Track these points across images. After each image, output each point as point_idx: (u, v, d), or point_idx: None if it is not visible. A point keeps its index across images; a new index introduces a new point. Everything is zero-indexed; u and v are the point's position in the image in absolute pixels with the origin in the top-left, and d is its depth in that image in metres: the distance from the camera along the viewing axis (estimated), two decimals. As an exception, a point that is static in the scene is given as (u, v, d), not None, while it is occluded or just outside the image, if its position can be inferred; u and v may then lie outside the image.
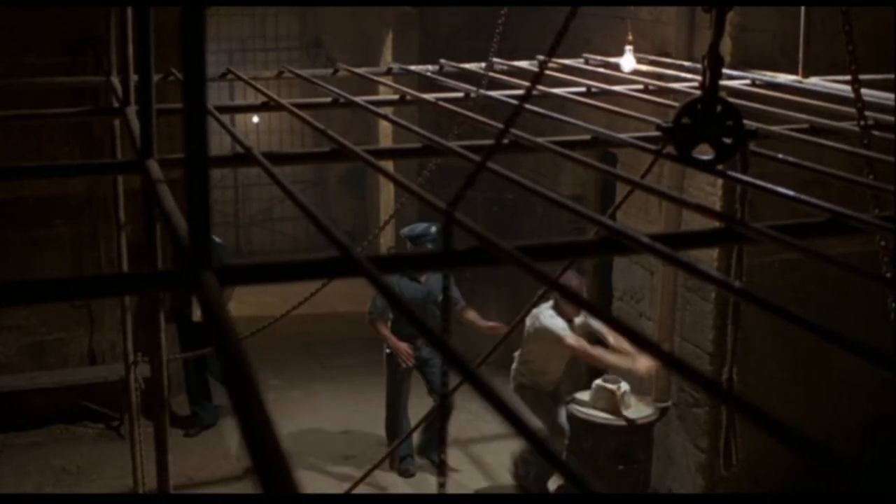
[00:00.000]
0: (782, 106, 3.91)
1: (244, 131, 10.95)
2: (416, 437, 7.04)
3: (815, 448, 0.93)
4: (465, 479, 7.23)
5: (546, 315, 6.66)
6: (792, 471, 5.97)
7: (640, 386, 6.84)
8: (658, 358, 1.21)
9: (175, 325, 7.55)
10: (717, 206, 5.96)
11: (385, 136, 11.28)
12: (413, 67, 5.25)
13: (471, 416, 7.33)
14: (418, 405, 7.28)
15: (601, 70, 5.24)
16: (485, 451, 7.62)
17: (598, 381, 6.66)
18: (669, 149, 2.45)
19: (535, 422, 6.77)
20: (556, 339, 6.57)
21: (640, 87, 4.50)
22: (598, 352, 6.57)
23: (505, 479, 7.22)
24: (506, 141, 2.45)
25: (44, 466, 7.47)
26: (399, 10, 10.42)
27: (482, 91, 4.22)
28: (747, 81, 4.66)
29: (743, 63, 5.52)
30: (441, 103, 3.83)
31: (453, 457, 7.35)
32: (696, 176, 6.24)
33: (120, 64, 3.53)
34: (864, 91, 3.27)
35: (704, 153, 2.35)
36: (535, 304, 4.37)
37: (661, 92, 4.49)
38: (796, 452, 0.94)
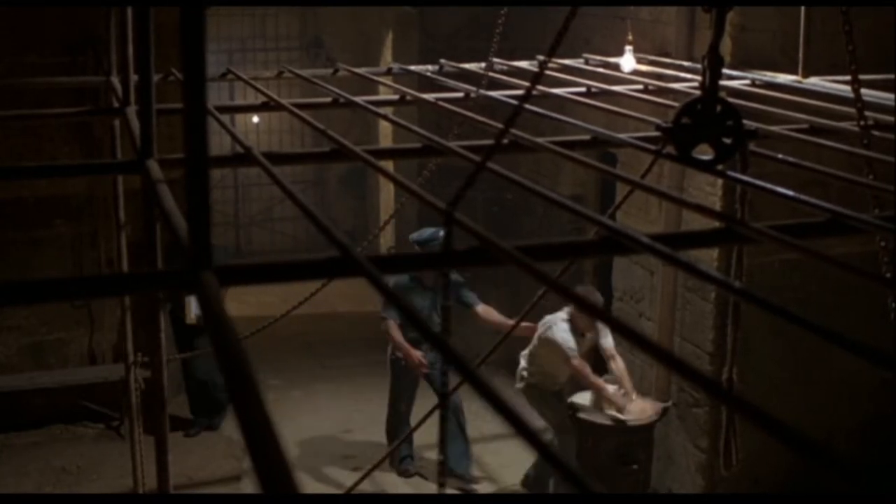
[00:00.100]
0: (782, 106, 3.91)
1: (244, 131, 10.95)
2: (449, 455, 6.95)
3: (815, 448, 0.93)
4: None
5: (560, 328, 6.62)
6: (792, 471, 5.98)
7: (639, 386, 6.84)
8: (658, 358, 1.21)
9: (170, 327, 7.53)
10: (717, 206, 5.96)
11: (385, 136, 11.28)
12: (413, 67, 5.25)
13: (471, 416, 7.32)
14: (421, 405, 7.28)
15: (601, 70, 5.24)
16: (485, 451, 7.62)
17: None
18: (669, 149, 2.45)
19: (538, 422, 6.78)
20: (563, 356, 6.57)
21: (640, 87, 4.50)
22: (598, 382, 6.57)
23: (505, 479, 7.22)
24: (506, 141, 2.45)
25: (44, 466, 7.47)
26: (399, 10, 10.43)
27: (482, 91, 4.22)
28: (747, 81, 4.66)
29: (743, 63, 5.52)
30: (441, 103, 3.83)
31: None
32: (696, 176, 6.24)
33: (120, 64, 3.53)
34: (863, 91, 3.27)
35: (704, 153, 2.35)
36: (535, 304, 4.34)
37: (660, 92, 4.49)
38: (796, 452, 0.94)
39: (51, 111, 5.24)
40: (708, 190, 6.24)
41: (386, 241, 11.38)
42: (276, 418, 0.95)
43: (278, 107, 3.58)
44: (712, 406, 6.30)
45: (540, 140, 2.78)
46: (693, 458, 6.62)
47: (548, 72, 3.47)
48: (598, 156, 5.64)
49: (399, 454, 7.28)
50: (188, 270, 1.38)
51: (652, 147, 2.67)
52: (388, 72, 5.27)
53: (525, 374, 6.90)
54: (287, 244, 13.27)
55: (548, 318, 6.74)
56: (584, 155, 2.79)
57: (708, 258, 5.84)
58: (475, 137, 3.23)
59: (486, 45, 4.88)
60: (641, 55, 5.41)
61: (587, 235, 3.20)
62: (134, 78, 3.13)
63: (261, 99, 3.81)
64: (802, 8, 4.62)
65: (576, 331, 6.63)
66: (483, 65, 4.87)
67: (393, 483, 7.29)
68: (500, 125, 2.27)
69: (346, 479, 6.84)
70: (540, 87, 3.19)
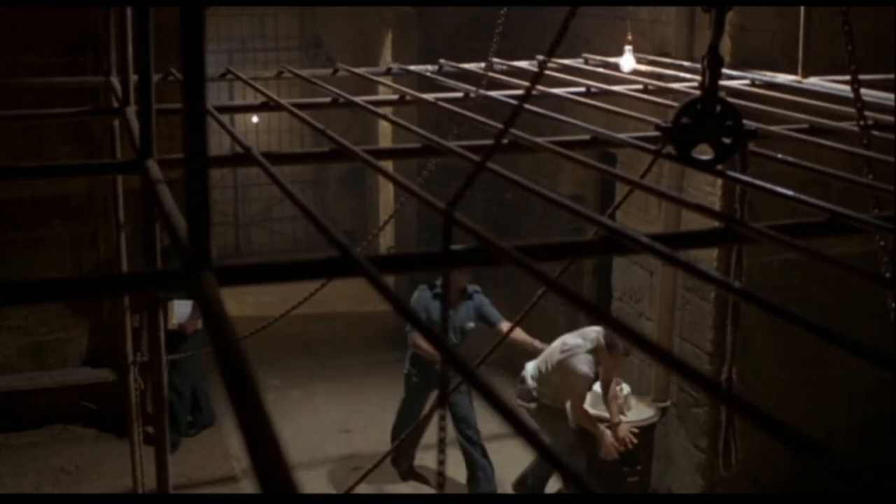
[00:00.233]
0: (782, 106, 3.91)
1: (244, 131, 10.96)
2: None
3: (814, 448, 0.93)
4: (464, 479, 7.22)
5: (581, 360, 6.27)
6: (792, 471, 5.98)
7: (639, 386, 6.84)
8: (657, 358, 1.21)
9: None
10: (717, 206, 5.96)
11: (385, 136, 11.28)
12: (413, 67, 5.25)
13: (470, 417, 7.32)
14: (433, 426, 7.25)
15: (601, 70, 5.25)
16: (484, 451, 7.61)
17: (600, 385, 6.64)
18: (669, 149, 2.45)
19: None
20: (573, 392, 6.34)
21: (640, 87, 4.51)
22: (599, 429, 6.34)
23: (505, 479, 7.21)
24: (505, 141, 2.45)
25: (42, 466, 7.47)
26: (399, 10, 10.42)
27: (482, 91, 4.22)
28: (747, 81, 4.66)
29: (742, 63, 5.52)
30: (441, 103, 3.83)
31: (453, 457, 7.33)
32: (695, 176, 6.25)
33: (120, 64, 3.53)
34: (863, 91, 3.27)
35: (704, 153, 2.35)
36: (535, 304, 4.32)
37: (660, 92, 4.50)
38: (796, 452, 0.94)
39: (50, 111, 5.24)
40: (707, 190, 6.24)
41: (385, 241, 11.38)
42: (275, 418, 0.95)
43: (278, 107, 3.58)
44: (712, 406, 6.30)
45: (540, 140, 2.78)
46: (693, 458, 6.62)
47: (547, 72, 3.47)
48: (598, 156, 5.64)
49: (399, 454, 7.27)
50: (188, 270, 1.38)
51: (651, 147, 2.66)
52: (388, 72, 5.27)
53: (536, 394, 6.60)
54: (286, 244, 13.28)
55: (570, 341, 6.40)
56: (583, 155, 2.79)
57: (707, 258, 5.84)
58: (475, 137, 3.23)
59: (485, 45, 4.88)
60: (641, 55, 5.42)
61: (587, 235, 3.20)
62: (133, 78, 3.13)
63: (260, 99, 3.81)
64: (802, 8, 4.62)
65: (596, 366, 6.32)
66: (483, 65, 4.87)
67: (393, 483, 7.29)
68: (499, 125, 2.26)
69: (345, 479, 6.84)
70: (540, 87, 3.19)
